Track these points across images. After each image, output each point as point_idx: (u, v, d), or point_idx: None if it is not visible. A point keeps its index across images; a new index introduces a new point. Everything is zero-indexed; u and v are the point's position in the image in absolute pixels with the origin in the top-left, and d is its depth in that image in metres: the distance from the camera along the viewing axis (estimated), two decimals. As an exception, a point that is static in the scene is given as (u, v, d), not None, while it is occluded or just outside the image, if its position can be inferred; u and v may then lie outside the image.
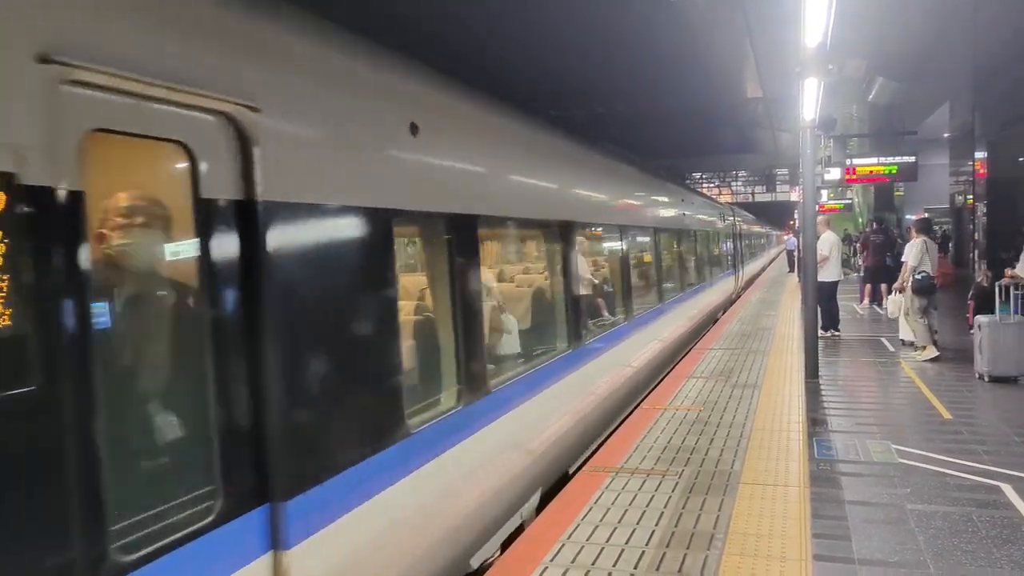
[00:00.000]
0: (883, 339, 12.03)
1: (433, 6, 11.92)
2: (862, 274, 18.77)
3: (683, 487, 5.23)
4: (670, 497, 5.03)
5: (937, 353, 10.59)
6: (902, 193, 39.59)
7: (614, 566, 3.98)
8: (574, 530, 4.48)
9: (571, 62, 18.61)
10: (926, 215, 19.76)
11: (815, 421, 7.01)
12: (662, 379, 9.45)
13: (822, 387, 8.59)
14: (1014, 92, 15.55)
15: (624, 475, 5.50)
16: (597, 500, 5.01)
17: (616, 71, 19.95)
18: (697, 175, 67.67)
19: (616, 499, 5.02)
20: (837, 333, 12.61)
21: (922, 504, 4.88)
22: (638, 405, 7.87)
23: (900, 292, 11.27)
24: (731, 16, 15.38)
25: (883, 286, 16.00)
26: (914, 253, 10.67)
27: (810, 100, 7.91)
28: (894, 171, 23.53)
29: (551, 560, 4.06)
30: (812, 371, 9.00)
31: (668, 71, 20.21)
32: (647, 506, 4.87)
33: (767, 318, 15.61)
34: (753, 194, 75.22)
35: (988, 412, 7.40)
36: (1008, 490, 5.10)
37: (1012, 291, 9.34)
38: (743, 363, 10.24)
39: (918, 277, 10.58)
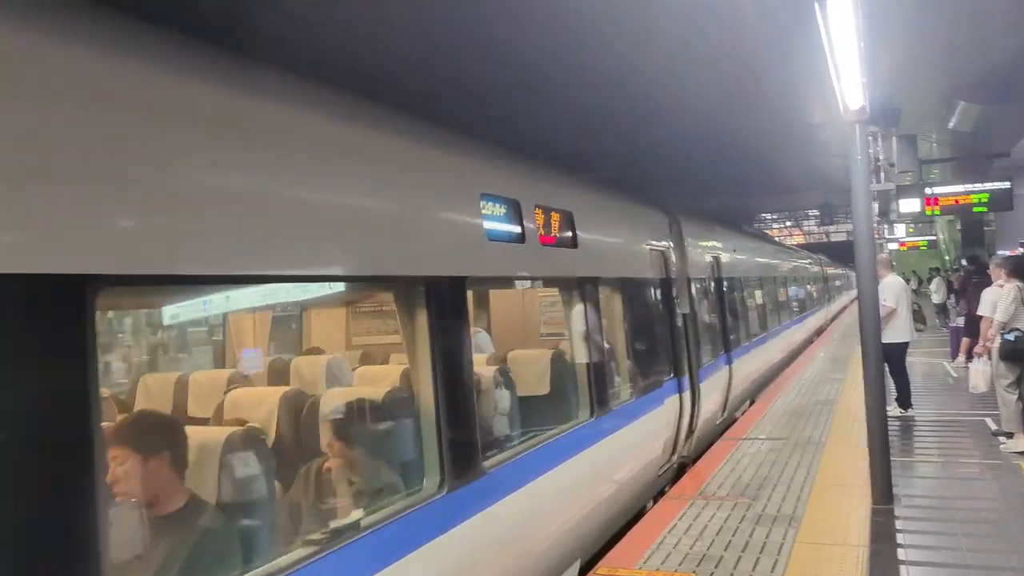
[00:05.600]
0: (987, 419, 8.74)
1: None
2: (955, 324, 15.26)
3: None
4: None
5: None
6: (993, 228, 35.37)
7: None
8: None
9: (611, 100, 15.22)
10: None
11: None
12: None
13: (898, 526, 5.45)
14: None
15: None
16: None
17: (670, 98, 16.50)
18: (767, 216, 63.50)
19: None
20: (908, 413, 9.34)
21: None
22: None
23: (985, 357, 8.01)
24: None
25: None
26: (1003, 306, 7.47)
27: (848, 62, 4.80)
28: (985, 199, 19.99)
29: None
30: (882, 493, 5.86)
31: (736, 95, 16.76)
32: None
33: (830, 385, 12.30)
34: (827, 234, 70.89)
35: None
36: None
37: None
38: (783, 467, 7.15)
39: (1008, 338, 7.40)
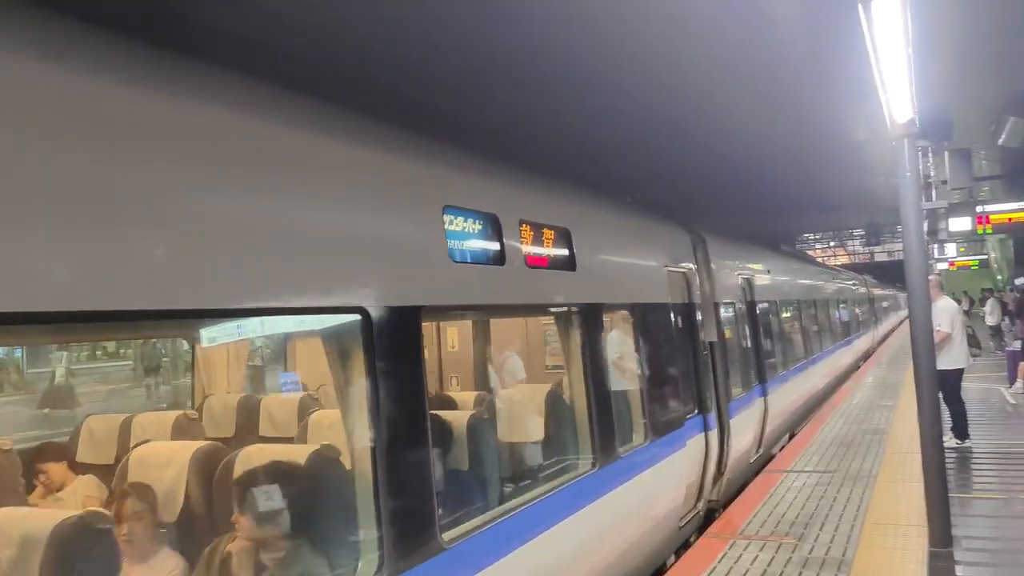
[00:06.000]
0: (1052, 451, 8.19)
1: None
2: (1011, 347, 14.54)
3: None
4: None
5: None
6: (1049, 245, 34.09)
7: None
8: None
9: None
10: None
11: None
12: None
13: (959, 572, 5.02)
14: None
15: None
16: None
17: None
18: (810, 236, 62.03)
19: None
20: (965, 444, 8.80)
21: None
22: None
23: None
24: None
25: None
26: None
27: (896, 70, 4.44)
28: (1040, 216, 19.30)
29: None
30: (940, 535, 5.42)
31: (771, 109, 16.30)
32: None
33: (880, 412, 11.74)
34: (872, 254, 69.32)
35: None
36: None
37: None
38: (831, 504, 6.72)
39: None
